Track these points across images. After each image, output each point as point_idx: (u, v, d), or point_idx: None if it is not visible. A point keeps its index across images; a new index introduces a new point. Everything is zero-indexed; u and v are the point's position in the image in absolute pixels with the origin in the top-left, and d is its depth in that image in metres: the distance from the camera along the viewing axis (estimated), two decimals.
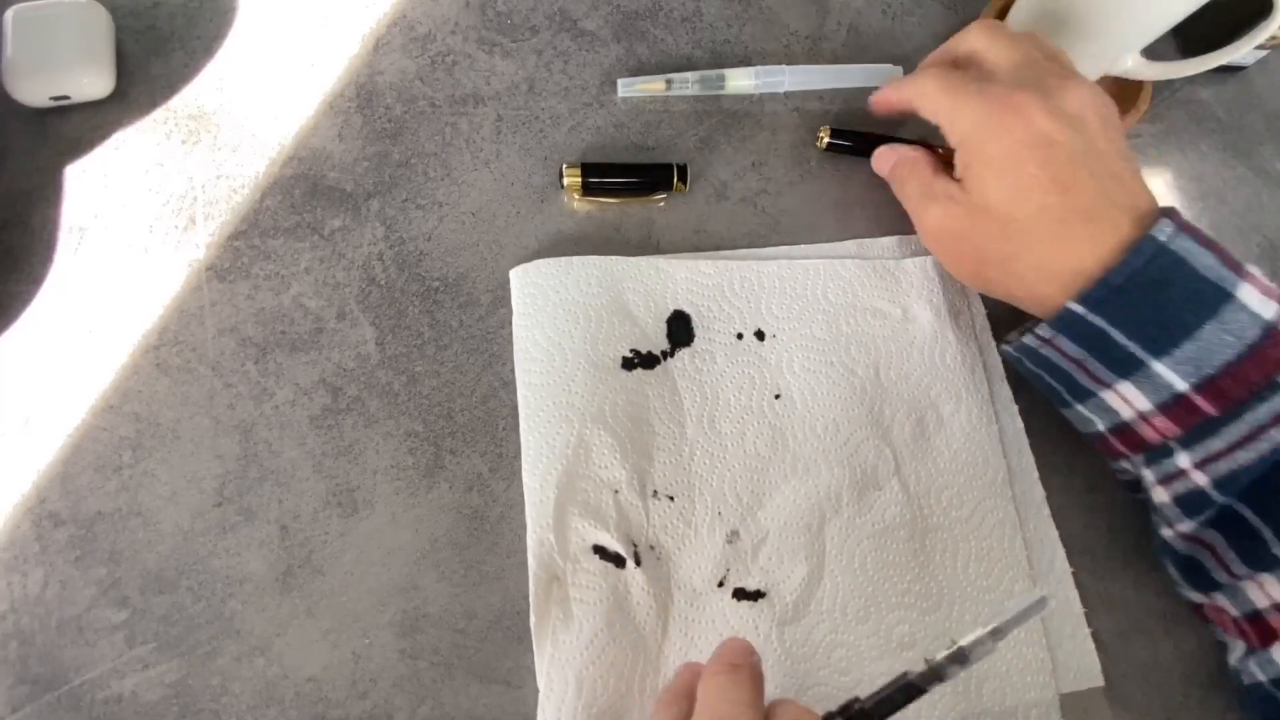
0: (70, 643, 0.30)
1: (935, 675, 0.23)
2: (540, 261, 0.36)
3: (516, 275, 0.36)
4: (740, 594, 0.32)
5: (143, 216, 0.36)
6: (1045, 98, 0.30)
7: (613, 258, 0.36)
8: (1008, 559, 0.33)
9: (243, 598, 0.31)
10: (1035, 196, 0.30)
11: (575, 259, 0.36)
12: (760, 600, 0.32)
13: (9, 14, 0.37)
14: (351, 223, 0.37)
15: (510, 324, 0.36)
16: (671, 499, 0.33)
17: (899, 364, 0.36)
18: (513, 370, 0.35)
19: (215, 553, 0.31)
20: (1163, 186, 0.43)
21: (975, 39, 0.35)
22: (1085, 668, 0.32)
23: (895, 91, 0.37)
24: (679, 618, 0.31)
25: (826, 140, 0.40)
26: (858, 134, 0.40)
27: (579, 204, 0.39)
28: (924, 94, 0.34)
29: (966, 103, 0.32)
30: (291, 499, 0.32)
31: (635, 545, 0.32)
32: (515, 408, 0.34)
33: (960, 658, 0.23)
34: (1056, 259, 0.30)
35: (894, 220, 0.40)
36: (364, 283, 0.36)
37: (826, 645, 0.31)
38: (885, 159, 0.38)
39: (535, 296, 0.35)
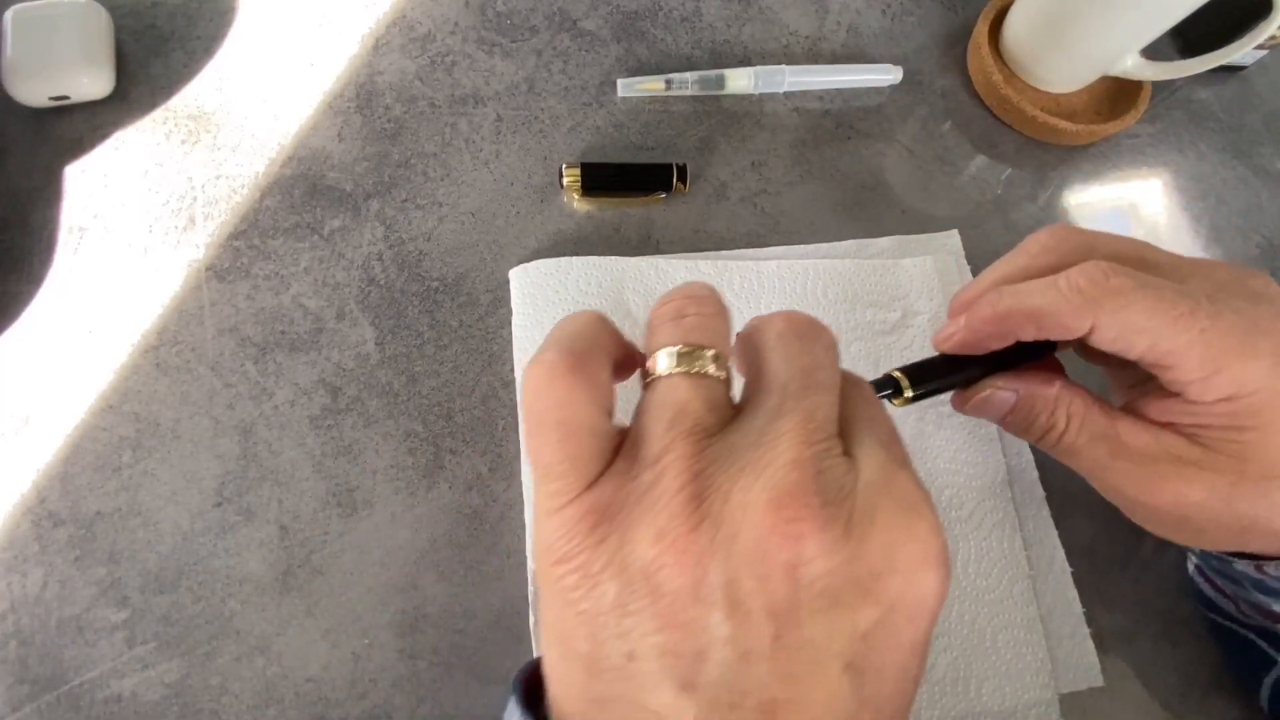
0: (70, 643, 0.30)
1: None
2: (540, 262, 0.36)
3: (516, 275, 0.36)
4: None
5: (142, 216, 0.36)
6: None
7: (612, 258, 0.36)
8: (1007, 558, 0.33)
9: (242, 598, 0.31)
10: None
11: (575, 259, 0.36)
12: None
13: (9, 14, 0.37)
14: (351, 223, 0.37)
15: (510, 324, 0.36)
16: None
17: (898, 363, 0.36)
18: (512, 370, 0.35)
19: (215, 553, 0.31)
20: (1162, 187, 0.43)
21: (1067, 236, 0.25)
22: (1085, 668, 0.32)
23: (1028, 319, 0.24)
24: None
25: (909, 394, 0.27)
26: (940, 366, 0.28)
27: (579, 204, 0.39)
28: (1133, 324, 0.23)
29: (1232, 340, 0.22)
30: (291, 499, 0.32)
31: None
32: (515, 408, 0.34)
33: None
34: None
35: (894, 220, 0.40)
36: (364, 283, 0.36)
37: None
38: (996, 403, 0.26)
39: (535, 297, 0.35)
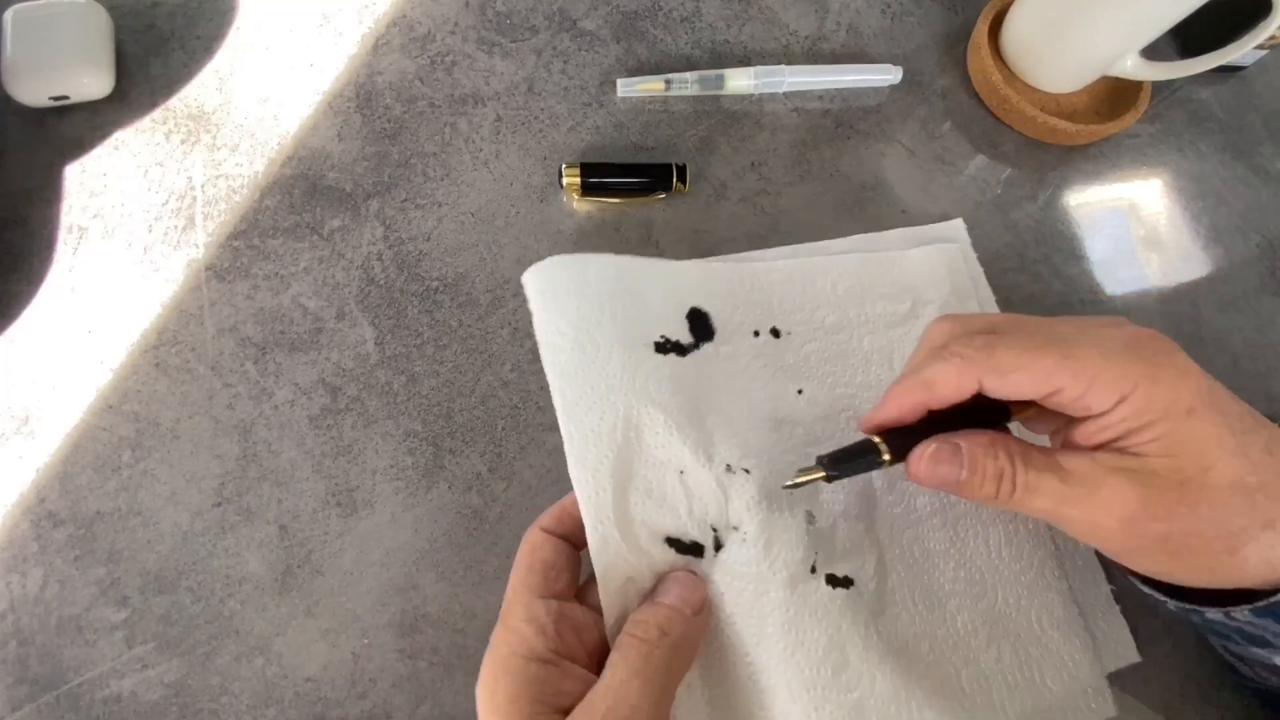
0: (70, 642, 0.30)
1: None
2: (554, 258, 0.34)
3: (530, 276, 0.33)
4: (833, 580, 0.29)
5: (142, 216, 0.36)
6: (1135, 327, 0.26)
7: (626, 256, 0.34)
8: (1035, 541, 0.33)
9: (242, 598, 0.31)
10: (1256, 448, 0.24)
11: (590, 255, 0.34)
12: (851, 588, 0.29)
13: (9, 14, 0.37)
14: (351, 223, 0.37)
15: (510, 324, 0.36)
16: (748, 471, 0.29)
17: (912, 352, 0.36)
18: (512, 370, 0.35)
19: (215, 553, 0.31)
20: (1162, 187, 0.43)
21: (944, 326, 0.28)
22: (1121, 644, 0.32)
23: (923, 387, 0.26)
24: (780, 609, 0.27)
25: (887, 458, 0.27)
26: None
27: (578, 204, 0.39)
28: (1004, 367, 0.25)
29: (1090, 352, 0.24)
30: (291, 499, 0.32)
31: (715, 529, 0.29)
32: (515, 407, 0.34)
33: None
34: None
35: (894, 220, 0.40)
36: (363, 283, 0.36)
37: (914, 638, 0.30)
38: (941, 458, 0.26)
39: (555, 292, 0.32)
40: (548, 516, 0.28)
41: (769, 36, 0.43)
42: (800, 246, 0.38)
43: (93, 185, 0.37)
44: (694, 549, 0.29)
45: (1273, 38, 0.38)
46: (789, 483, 0.28)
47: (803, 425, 0.34)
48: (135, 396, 0.34)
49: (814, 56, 0.43)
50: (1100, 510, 0.25)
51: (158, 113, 0.38)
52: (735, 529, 0.29)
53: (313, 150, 0.38)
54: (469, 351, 0.35)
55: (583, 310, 0.32)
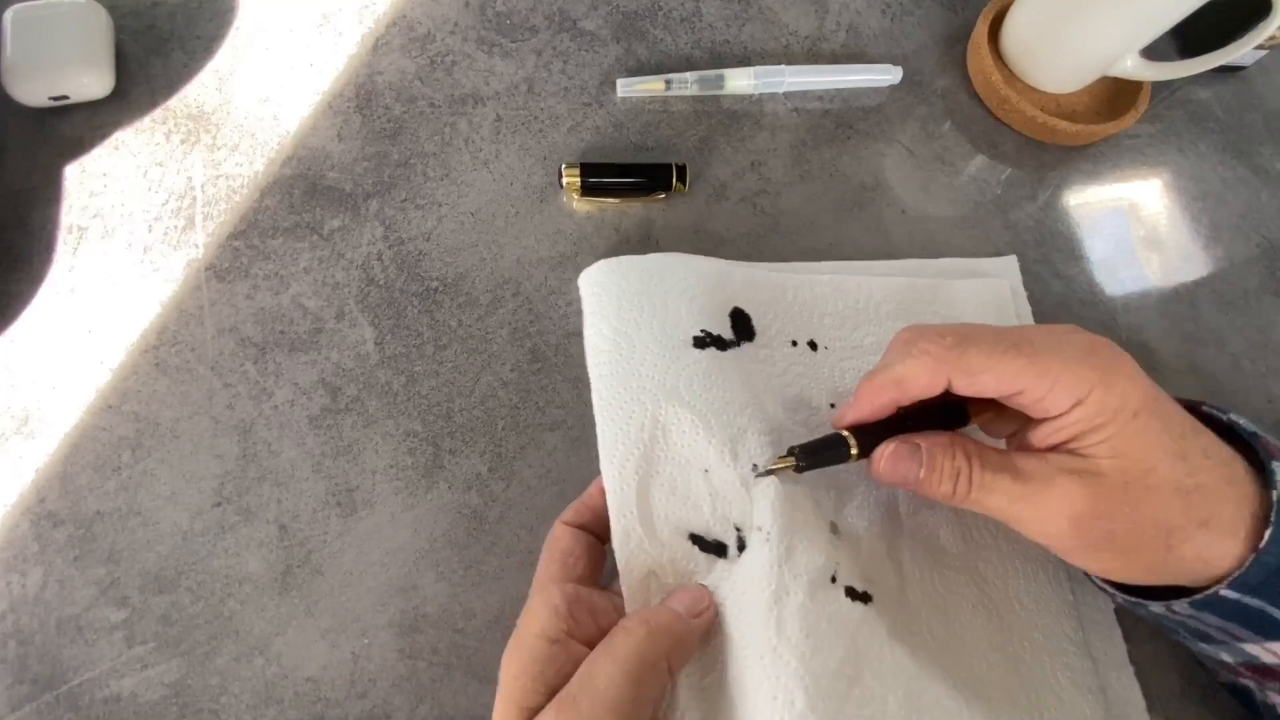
0: (69, 642, 0.30)
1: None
2: (603, 261, 0.35)
3: (582, 279, 0.35)
4: (852, 594, 0.28)
5: (142, 216, 0.37)
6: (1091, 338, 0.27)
7: (673, 255, 0.35)
8: (1053, 587, 0.32)
9: (242, 598, 0.31)
10: (1195, 452, 0.25)
11: (635, 257, 0.35)
12: (870, 604, 0.28)
13: (9, 14, 0.37)
14: (351, 223, 0.37)
15: (510, 324, 0.36)
16: (773, 474, 0.29)
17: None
18: (512, 370, 0.35)
19: (214, 553, 0.31)
20: (1162, 187, 0.43)
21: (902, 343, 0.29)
22: (1132, 701, 0.31)
23: (894, 384, 0.27)
24: (800, 613, 0.26)
25: (855, 452, 0.28)
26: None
27: (578, 204, 0.39)
28: (974, 367, 0.26)
29: (1052, 357, 0.25)
30: (291, 499, 0.32)
31: (739, 529, 0.29)
32: (515, 407, 0.34)
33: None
34: (1225, 520, 0.25)
35: (894, 220, 0.40)
36: (363, 283, 0.36)
37: (928, 666, 0.29)
38: (901, 456, 0.27)
39: (600, 295, 0.34)
40: (569, 510, 0.30)
41: (769, 36, 0.43)
42: (845, 264, 0.38)
43: (93, 185, 0.37)
44: (717, 548, 0.29)
45: (1273, 38, 0.38)
46: (761, 470, 0.29)
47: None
48: (135, 396, 0.34)
49: (814, 56, 0.43)
50: (1050, 509, 0.26)
51: (158, 113, 0.38)
52: (759, 529, 0.28)
53: (313, 150, 0.38)
54: (469, 351, 0.35)
55: (623, 312, 0.33)
